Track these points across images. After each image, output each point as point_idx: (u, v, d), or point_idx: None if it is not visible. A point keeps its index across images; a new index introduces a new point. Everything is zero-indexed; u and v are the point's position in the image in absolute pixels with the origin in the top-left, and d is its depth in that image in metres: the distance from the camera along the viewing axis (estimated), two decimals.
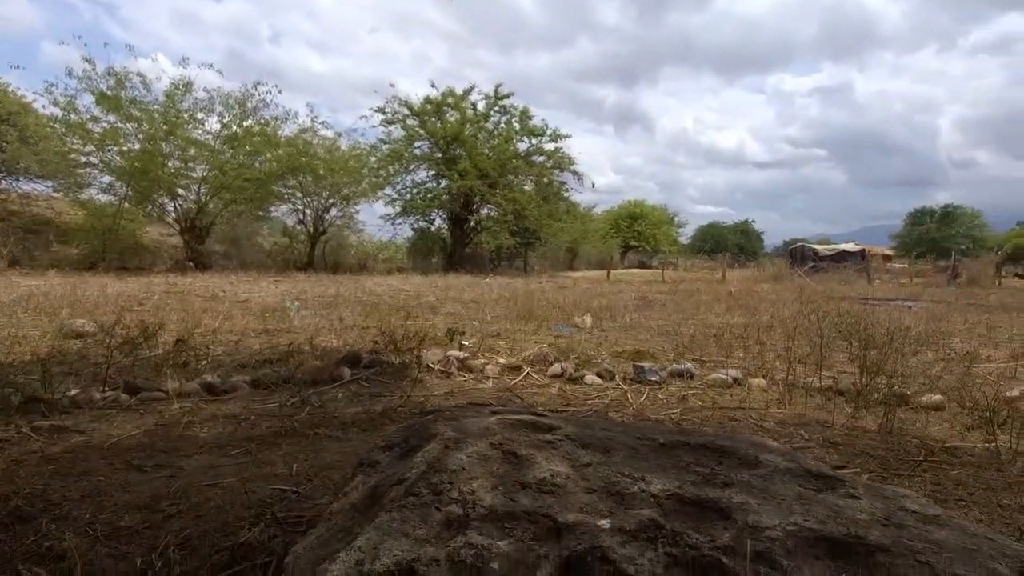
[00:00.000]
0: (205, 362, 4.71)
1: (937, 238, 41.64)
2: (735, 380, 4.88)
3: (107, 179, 18.62)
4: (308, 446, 2.79)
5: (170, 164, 18.31)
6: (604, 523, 1.31)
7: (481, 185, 22.14)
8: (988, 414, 3.15)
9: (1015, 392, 4.16)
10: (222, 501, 2.17)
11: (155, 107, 18.21)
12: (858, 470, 2.71)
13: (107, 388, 3.98)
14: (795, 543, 1.26)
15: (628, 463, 1.74)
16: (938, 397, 4.08)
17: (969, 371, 4.91)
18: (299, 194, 20.25)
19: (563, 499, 1.45)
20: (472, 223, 24.84)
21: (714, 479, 1.63)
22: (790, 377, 4.61)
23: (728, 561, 1.16)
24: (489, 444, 1.75)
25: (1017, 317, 9.58)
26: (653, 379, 4.91)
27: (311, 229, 20.92)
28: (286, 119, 19.84)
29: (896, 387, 3.95)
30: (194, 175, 18.73)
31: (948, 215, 44.84)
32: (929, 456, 2.98)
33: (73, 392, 3.86)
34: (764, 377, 4.90)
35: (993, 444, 3.11)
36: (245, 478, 2.37)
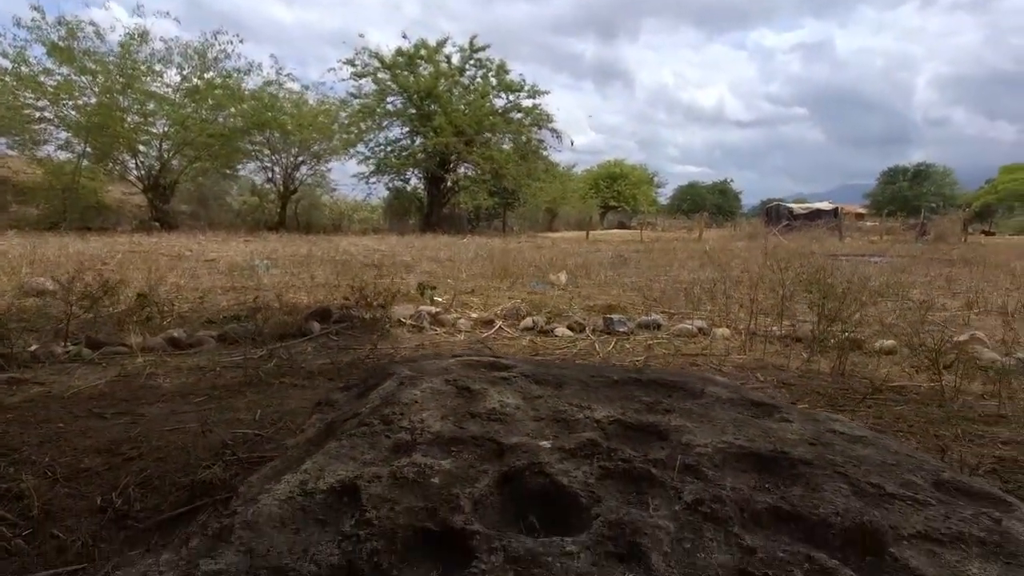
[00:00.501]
0: (170, 318, 4.65)
1: (909, 196, 42.46)
2: (700, 330, 5.00)
3: (64, 135, 17.80)
4: (273, 394, 2.81)
5: (129, 119, 17.53)
6: (545, 444, 1.37)
7: (457, 143, 21.70)
8: (934, 355, 3.30)
9: (964, 337, 4.36)
10: (183, 444, 2.19)
11: (110, 59, 17.28)
12: (806, 406, 2.84)
13: (68, 343, 3.92)
14: (723, 458, 1.33)
15: (578, 396, 1.80)
16: (890, 342, 4.25)
17: (924, 318, 5.11)
18: (267, 151, 19.64)
19: (510, 426, 1.50)
20: (449, 183, 24.47)
21: (657, 407, 1.70)
22: (752, 326, 4.74)
23: (657, 472, 1.23)
24: (444, 381, 1.79)
25: (976, 270, 9.92)
26: (621, 330, 5.01)
27: (281, 188, 20.38)
28: (249, 71, 19.04)
29: (851, 333, 4.10)
30: (155, 131, 17.99)
31: (920, 173, 45.62)
32: (875, 393, 3.13)
33: (33, 348, 3.79)
34: (728, 327, 5.03)
35: (938, 383, 3.26)
36: (208, 423, 2.39)
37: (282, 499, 1.09)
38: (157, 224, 16.94)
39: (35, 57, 16.72)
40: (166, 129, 18.01)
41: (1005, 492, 1.42)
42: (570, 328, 5.14)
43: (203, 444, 2.18)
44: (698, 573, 0.93)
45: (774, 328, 4.84)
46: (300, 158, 20.44)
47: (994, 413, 2.86)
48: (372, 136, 23.20)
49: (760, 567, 0.93)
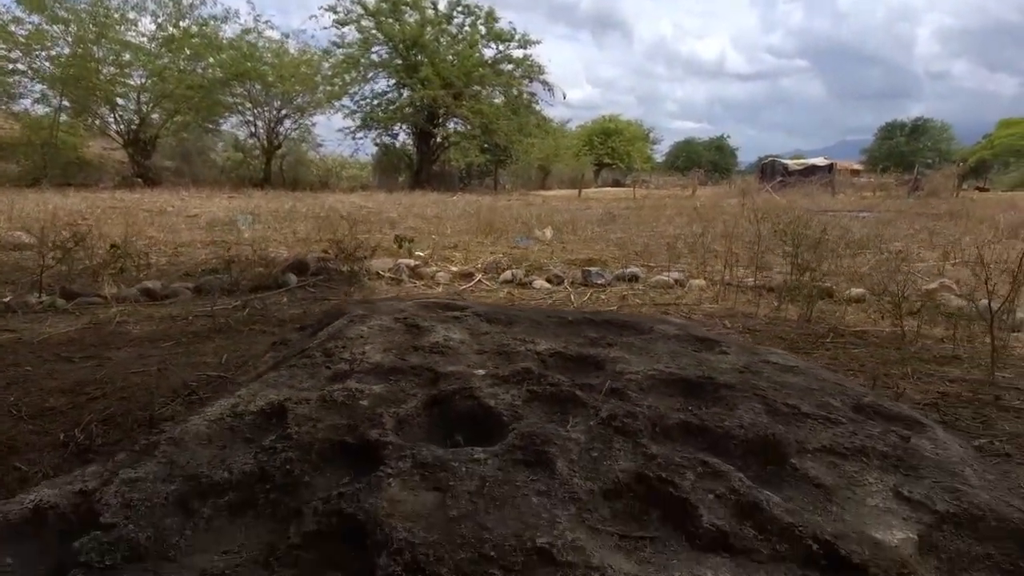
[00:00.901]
0: (146, 271, 4.65)
1: (906, 151, 42.02)
2: (676, 281, 5.05)
3: (39, 87, 17.25)
4: (241, 340, 2.85)
5: (104, 70, 16.96)
6: (479, 372, 1.41)
7: (446, 96, 21.15)
8: (897, 300, 3.36)
9: (933, 285, 4.43)
10: (147, 385, 2.23)
11: (82, 6, 16.59)
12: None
13: (43, 294, 3.93)
14: (651, 383, 1.38)
15: (526, 332, 1.84)
16: (860, 291, 4.32)
17: (898, 269, 5.16)
18: (248, 104, 19.12)
19: (451, 358, 1.53)
20: (439, 139, 24.01)
21: (600, 341, 1.75)
22: (727, 277, 4.79)
23: (582, 395, 1.27)
24: (393, 319, 1.82)
25: (961, 224, 9.96)
26: (599, 282, 5.05)
27: (265, 143, 19.95)
28: (226, 19, 18.32)
29: (821, 282, 4.16)
30: (132, 83, 17.44)
31: (918, 128, 45.07)
32: (836, 338, 3.21)
33: (7, 299, 3.80)
34: (704, 279, 5.08)
35: (899, 328, 3.33)
36: (172, 365, 2.43)
37: (211, 420, 1.13)
38: (139, 180, 16.64)
39: (3, 5, 16.03)
40: (143, 81, 17.46)
41: (933, 420, 1.49)
42: (548, 281, 5.16)
43: (166, 384, 2.22)
44: (600, 476, 0.99)
45: (749, 279, 4.89)
46: (283, 111, 19.94)
47: (949, 355, 2.94)
48: (357, 88, 22.56)
49: (656, 470, 0.98)
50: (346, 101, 22.18)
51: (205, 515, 0.85)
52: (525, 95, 24.71)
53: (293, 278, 4.60)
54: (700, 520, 0.87)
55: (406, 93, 22.28)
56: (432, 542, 0.76)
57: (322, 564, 0.75)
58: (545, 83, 24.36)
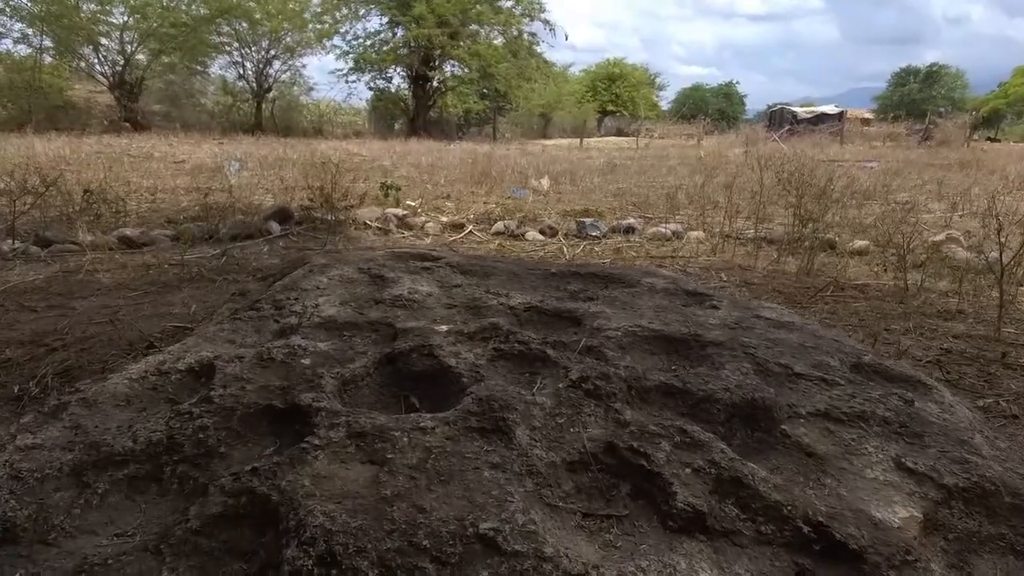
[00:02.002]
0: (125, 217, 4.48)
1: (919, 100, 40.65)
2: (674, 233, 4.88)
3: (19, 27, 16.45)
4: (212, 290, 2.72)
5: (85, 7, 16.13)
6: (442, 328, 1.28)
7: (441, 35, 20.16)
8: (902, 253, 3.21)
9: (940, 237, 4.26)
10: (109, 337, 2.12)
11: None
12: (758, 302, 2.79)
13: (15, 241, 3.78)
14: (631, 341, 1.25)
15: (502, 285, 1.70)
16: (863, 243, 4.16)
17: (904, 220, 4.98)
18: (235, 43, 18.24)
19: (415, 312, 1.40)
20: (435, 83, 23.12)
21: (580, 295, 1.61)
22: (727, 229, 4.62)
23: (553, 353, 1.15)
24: (357, 269, 1.68)
25: (971, 175, 9.66)
26: (594, 234, 4.87)
27: (254, 86, 19.18)
28: None
29: (823, 234, 3.99)
30: (114, 20, 16.60)
31: (932, 75, 43.44)
32: (836, 291, 3.07)
33: None
34: (703, 230, 4.91)
35: (902, 281, 3.20)
36: (138, 317, 2.31)
37: (133, 379, 1.01)
38: (127, 125, 16.11)
39: None
40: (126, 19, 16.62)
41: (937, 380, 1.37)
42: (541, 232, 4.99)
43: (129, 337, 2.11)
44: (564, 446, 0.87)
45: (749, 232, 4.72)
46: (272, 52, 19.04)
47: (953, 309, 2.82)
48: (348, 27, 21.49)
49: (628, 439, 0.87)
50: (337, 41, 21.18)
51: (100, 490, 0.74)
52: (525, 36, 23.63)
53: (276, 227, 4.43)
54: (675, 498, 0.76)
55: (400, 32, 21.25)
56: (354, 529, 0.65)
57: (223, 554, 0.64)
58: (546, 22, 23.23)
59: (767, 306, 1.61)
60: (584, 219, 5.10)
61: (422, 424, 0.87)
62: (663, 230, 4.85)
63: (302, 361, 1.06)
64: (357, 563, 0.61)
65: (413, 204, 6.10)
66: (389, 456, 0.79)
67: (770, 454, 0.95)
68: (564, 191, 7.95)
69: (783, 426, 1.00)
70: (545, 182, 8.53)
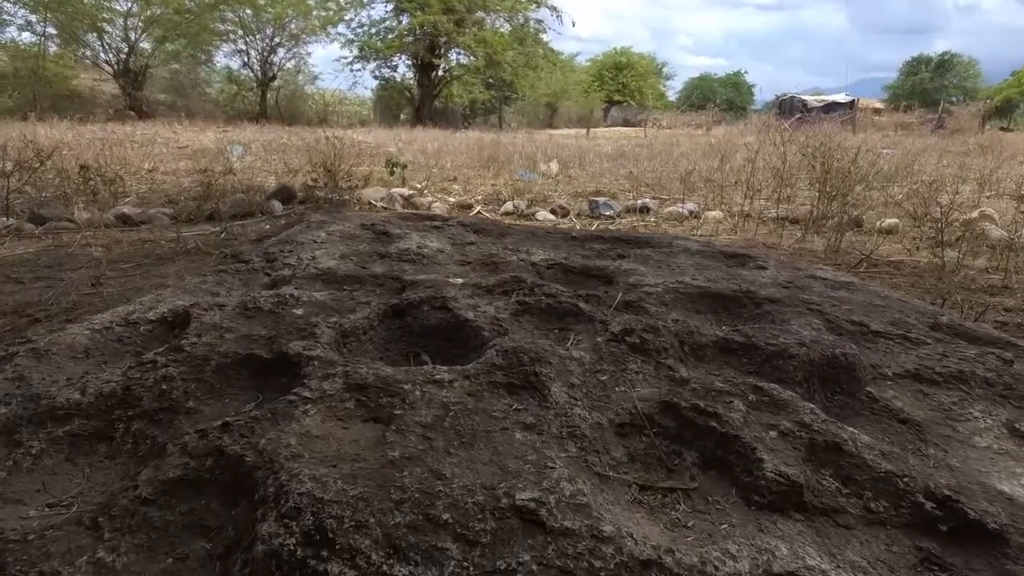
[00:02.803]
0: (124, 198, 4.34)
1: (930, 89, 39.92)
2: (691, 213, 4.69)
3: (23, 13, 16.33)
4: (208, 262, 2.56)
5: None
6: (456, 280, 1.12)
7: (447, 22, 19.85)
8: (939, 226, 3.02)
9: (973, 214, 4.05)
10: (96, 306, 1.97)
11: None
12: None
13: (9, 218, 3.65)
14: (674, 297, 1.09)
15: (520, 243, 1.54)
16: (893, 221, 3.96)
17: (933, 197, 4.77)
18: (240, 31, 18.02)
19: (424, 267, 1.24)
20: (441, 71, 22.83)
21: (609, 253, 1.44)
22: (747, 208, 4.43)
23: (587, 307, 0.98)
24: (359, 225, 1.52)
25: (992, 158, 9.38)
26: (607, 213, 4.69)
27: (259, 74, 18.97)
28: None
29: (851, 211, 3.80)
30: (118, 7, 16.44)
31: (944, 63, 42.61)
32: (870, 267, 2.89)
33: None
34: (722, 210, 4.72)
35: (939, 258, 3.01)
36: (127, 287, 2.16)
37: (96, 329, 0.85)
38: (132, 113, 15.97)
39: None
40: (130, 6, 16.45)
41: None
42: (552, 212, 4.81)
43: (114, 305, 1.96)
44: (611, 407, 0.71)
45: (771, 211, 4.53)
46: (276, 39, 18.81)
47: (998, 285, 2.64)
48: (353, 14, 21.20)
49: (690, 398, 0.70)
50: (342, 28, 20.92)
51: (34, 450, 0.59)
52: (532, 23, 23.29)
53: (278, 205, 4.27)
54: (760, 466, 0.60)
55: (405, 19, 20.94)
56: (352, 498, 0.49)
57: (180, 529, 0.49)
58: (553, 8, 22.85)
59: (818, 267, 1.44)
60: (597, 198, 4.92)
61: (437, 377, 0.71)
62: (679, 210, 4.66)
63: (294, 311, 0.90)
64: (356, 542, 0.45)
65: (419, 185, 5.93)
66: (397, 412, 0.63)
67: (856, 420, 0.78)
68: (573, 175, 7.75)
69: (869, 388, 0.83)
70: (554, 166, 8.34)
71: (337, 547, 0.45)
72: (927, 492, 0.59)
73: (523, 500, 0.51)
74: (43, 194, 4.12)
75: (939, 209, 3.11)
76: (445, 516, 0.49)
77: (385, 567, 0.44)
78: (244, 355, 0.73)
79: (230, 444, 0.55)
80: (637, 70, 42.78)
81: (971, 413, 0.80)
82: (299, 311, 0.89)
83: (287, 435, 0.57)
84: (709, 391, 0.72)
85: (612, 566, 0.47)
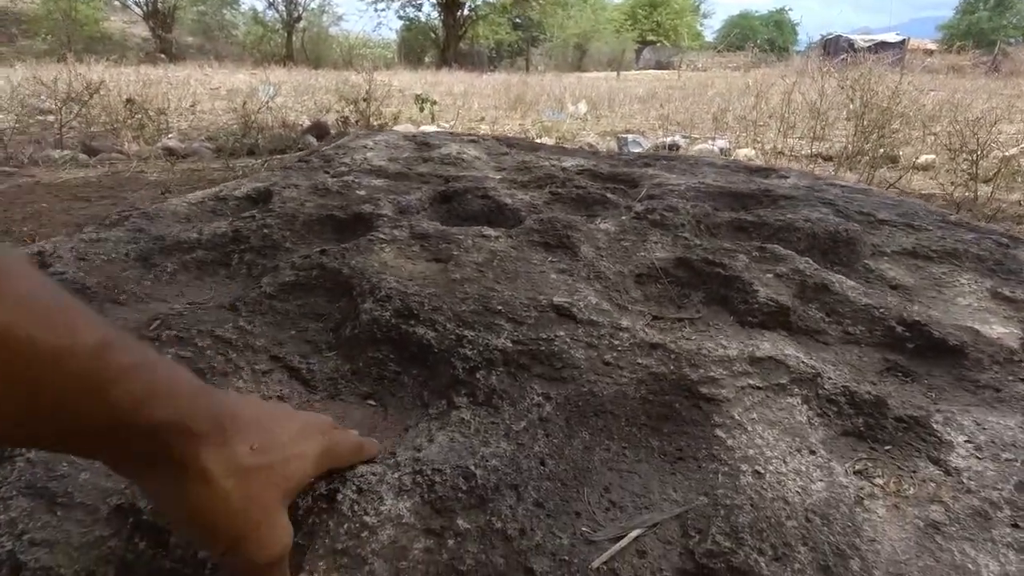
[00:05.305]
0: (168, 131, 4.52)
1: (987, 29, 37.03)
2: (721, 150, 4.66)
3: None
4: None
5: None
6: (495, 175, 1.23)
7: None
8: (974, 158, 2.98)
9: (1013, 151, 3.94)
10: None
11: None
12: None
13: (64, 149, 3.86)
14: (696, 195, 1.18)
15: (551, 155, 1.63)
16: (930, 157, 3.89)
17: (973, 132, 4.62)
18: None
19: (464, 168, 1.36)
20: (466, 10, 22.18)
21: (636, 162, 1.53)
22: (780, 146, 4.38)
23: (613, 197, 1.09)
24: (401, 137, 1.63)
25: None
26: (636, 150, 4.69)
27: (284, 15, 18.82)
28: None
29: (888, 146, 3.74)
30: None
31: (1004, 1, 39.33)
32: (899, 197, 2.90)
33: (29, 151, 3.75)
34: (754, 147, 4.67)
35: (972, 192, 2.99)
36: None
37: (192, 202, 1.00)
38: (162, 56, 16.11)
39: None
40: None
41: None
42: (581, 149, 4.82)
43: None
44: (631, 262, 0.83)
45: (805, 149, 4.47)
46: None
47: None
48: None
49: (701, 254, 0.82)
50: None
51: (168, 270, 0.74)
52: None
53: (314, 141, 4.40)
54: (755, 295, 0.72)
55: None
56: (428, 295, 0.63)
57: (297, 316, 0.64)
58: None
59: (839, 180, 1.51)
60: (625, 136, 4.91)
61: (486, 233, 0.83)
62: (710, 147, 4.64)
63: (357, 192, 1.03)
64: (434, 316, 0.59)
65: (447, 125, 5.97)
66: (455, 253, 0.76)
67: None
68: (602, 115, 7.65)
69: (866, 261, 0.93)
70: (582, 106, 8.22)
71: (421, 319, 0.59)
72: (900, 319, 0.71)
73: (559, 301, 0.64)
74: (92, 128, 4.32)
75: (977, 140, 3.06)
76: (499, 307, 0.62)
77: (457, 331, 0.58)
78: (325, 215, 0.87)
79: (329, 262, 0.69)
80: (672, 7, 40.57)
81: (959, 281, 0.90)
82: (362, 192, 1.02)
83: (371, 261, 0.71)
84: (718, 249, 0.83)
85: (627, 345, 0.60)
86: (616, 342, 0.60)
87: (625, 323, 0.63)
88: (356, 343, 0.58)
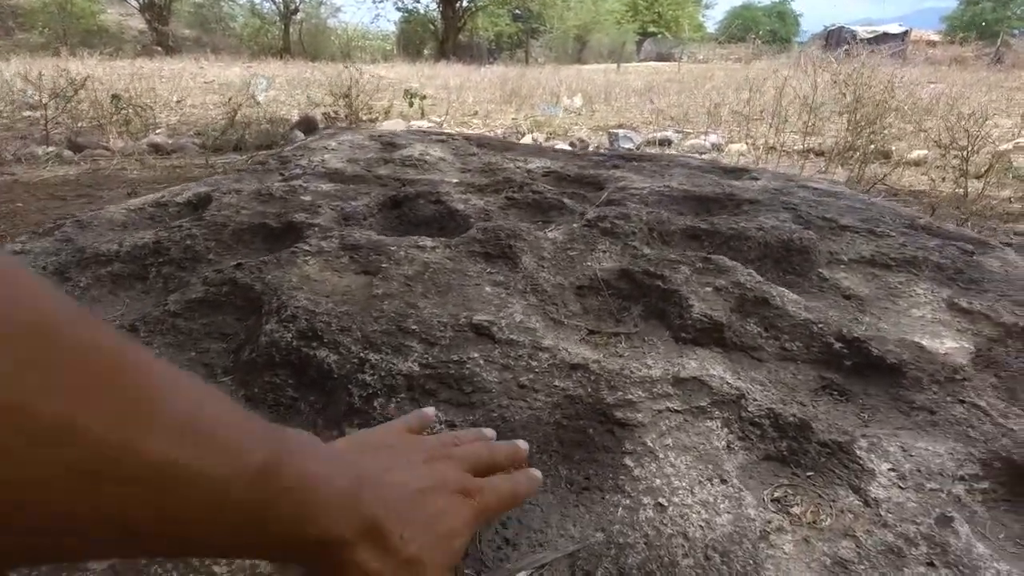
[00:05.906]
0: (155, 127, 4.48)
1: (991, 20, 36.69)
2: (713, 145, 4.62)
3: None
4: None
5: None
6: (456, 178, 1.20)
7: None
8: (964, 154, 2.94)
9: (1007, 146, 3.90)
10: None
11: None
12: None
13: (49, 146, 3.83)
14: (657, 199, 1.15)
15: (520, 156, 1.60)
16: (922, 152, 3.84)
17: (967, 128, 4.57)
18: None
19: (425, 171, 1.33)
20: (465, 2, 21.98)
21: (603, 164, 1.50)
22: (772, 141, 4.33)
23: (569, 202, 1.06)
24: (368, 136, 1.60)
25: None
26: (627, 146, 4.66)
27: (281, 7, 18.67)
28: None
29: (880, 142, 3.69)
30: None
31: None
32: (889, 196, 2.86)
33: (13, 148, 3.72)
34: (746, 142, 4.62)
35: (962, 188, 2.96)
36: None
37: (131, 209, 0.98)
38: (159, 49, 16.00)
39: None
40: None
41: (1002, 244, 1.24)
42: (571, 145, 4.79)
43: None
44: (574, 273, 0.80)
45: (797, 145, 4.42)
46: None
47: (1016, 212, 2.60)
48: None
49: (644, 265, 0.79)
50: None
51: (82, 284, 0.71)
52: None
53: (300, 135, 4.36)
54: (690, 310, 0.69)
55: None
56: (340, 313, 0.61)
57: (202, 336, 0.61)
58: None
59: (817, 179, 1.48)
60: (617, 131, 4.87)
61: (421, 243, 0.81)
62: (702, 142, 4.59)
63: (302, 197, 1.00)
64: (340, 338, 0.57)
65: (438, 119, 5.92)
66: (384, 266, 0.74)
67: (803, 295, 0.86)
68: (597, 109, 7.58)
69: (820, 270, 0.90)
70: (578, 100, 8.15)
71: (325, 340, 0.56)
72: (839, 335, 0.68)
73: (479, 320, 0.62)
74: (79, 124, 4.29)
75: (967, 138, 3.01)
76: (413, 327, 0.60)
77: (362, 354, 0.55)
78: (257, 224, 0.85)
79: (242, 277, 0.67)
80: None
81: (915, 291, 0.87)
82: (307, 197, 1.00)
83: (289, 275, 0.68)
84: (662, 261, 0.81)
85: (546, 366, 0.58)
86: (534, 363, 0.58)
87: (547, 342, 0.61)
88: (253, 367, 0.55)
